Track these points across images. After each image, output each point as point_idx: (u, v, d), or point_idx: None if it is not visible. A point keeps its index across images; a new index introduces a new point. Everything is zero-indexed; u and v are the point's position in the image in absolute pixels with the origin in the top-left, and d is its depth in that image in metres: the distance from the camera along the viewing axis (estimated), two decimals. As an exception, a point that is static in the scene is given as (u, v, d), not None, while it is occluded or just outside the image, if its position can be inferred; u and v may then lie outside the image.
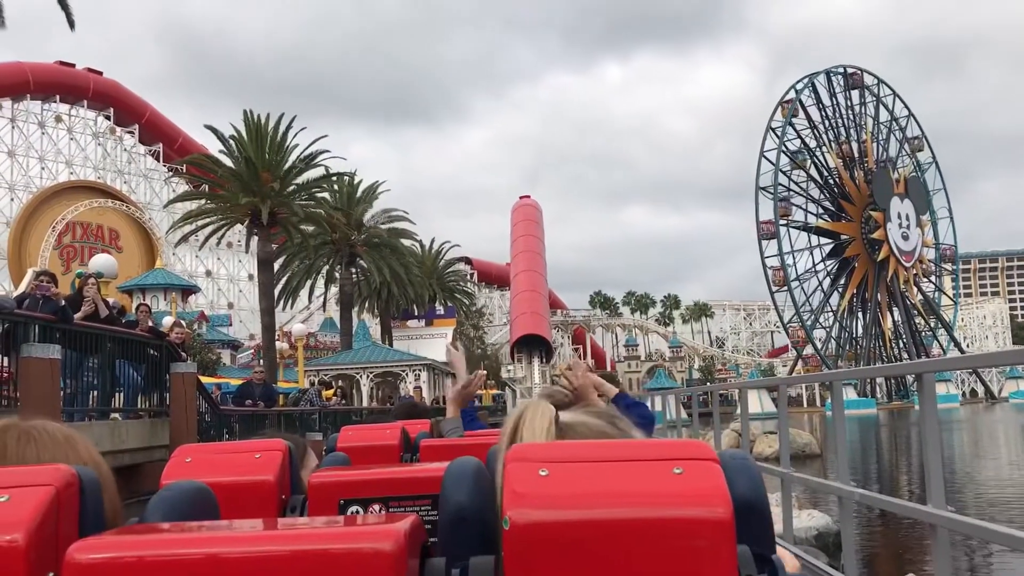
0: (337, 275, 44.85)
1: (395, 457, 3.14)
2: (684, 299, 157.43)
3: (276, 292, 39.30)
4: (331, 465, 2.28)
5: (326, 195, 40.15)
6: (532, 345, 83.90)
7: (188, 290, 62.59)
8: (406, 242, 50.64)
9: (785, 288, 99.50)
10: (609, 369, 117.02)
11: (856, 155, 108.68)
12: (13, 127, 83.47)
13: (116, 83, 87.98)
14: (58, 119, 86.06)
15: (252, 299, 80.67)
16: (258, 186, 34.51)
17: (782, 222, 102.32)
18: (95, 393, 12.63)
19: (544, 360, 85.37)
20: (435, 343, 55.27)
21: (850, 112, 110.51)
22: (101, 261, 27.56)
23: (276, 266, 39.40)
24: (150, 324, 14.73)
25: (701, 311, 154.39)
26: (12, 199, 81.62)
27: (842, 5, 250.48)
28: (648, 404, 17.02)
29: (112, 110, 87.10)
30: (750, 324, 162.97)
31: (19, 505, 1.03)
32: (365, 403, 41.33)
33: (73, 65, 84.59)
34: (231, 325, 66.12)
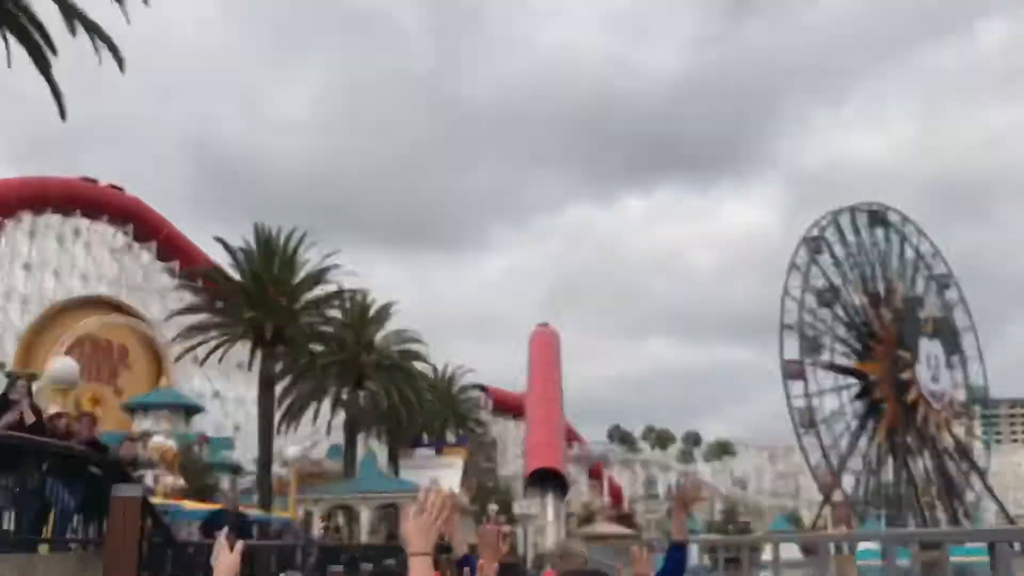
0: (344, 397, 42.44)
1: None
2: (705, 435, 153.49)
3: (279, 415, 37.02)
4: None
5: (336, 313, 38.33)
6: (547, 479, 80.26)
7: (193, 410, 60.35)
8: (419, 365, 48.52)
9: (812, 430, 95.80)
10: (626, 508, 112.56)
11: (882, 293, 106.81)
12: (31, 240, 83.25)
13: (137, 200, 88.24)
14: (76, 233, 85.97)
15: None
16: (264, 301, 32.83)
17: (808, 361, 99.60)
18: (11, 517, 10.34)
19: (559, 496, 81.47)
20: (445, 473, 52.44)
21: (875, 249, 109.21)
22: (59, 364, 25.25)
23: (283, 387, 37.31)
24: (93, 436, 12.50)
25: (723, 450, 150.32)
26: (24, 312, 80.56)
27: (865, 144, 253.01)
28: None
29: (132, 226, 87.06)
30: (774, 464, 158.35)
31: None
32: (364, 537, 38.23)
33: (96, 181, 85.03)
34: (235, 448, 63.51)
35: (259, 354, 33.86)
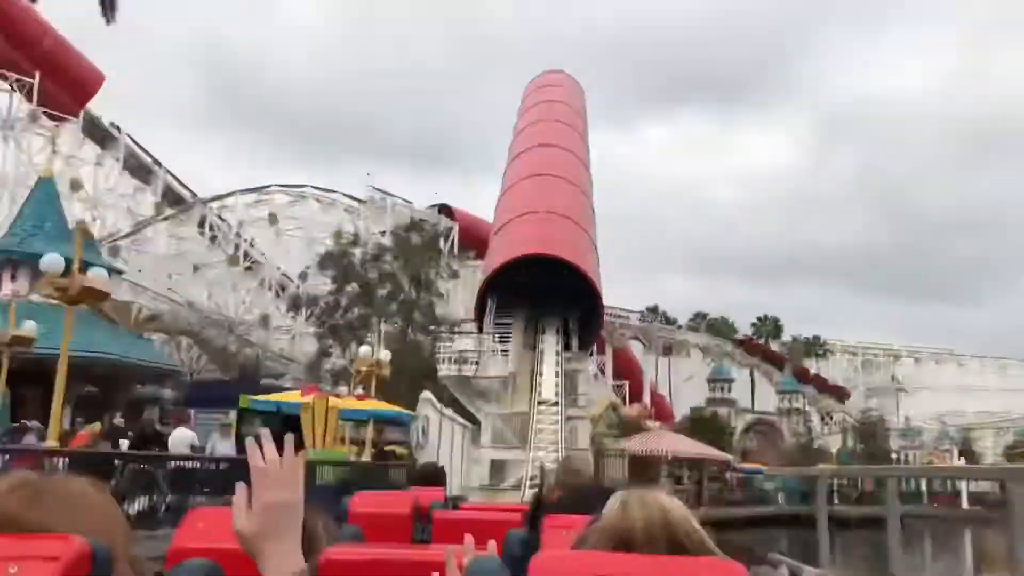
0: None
1: (407, 527, 3.12)
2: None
3: None
4: (345, 540, 2.24)
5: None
6: (540, 299, 29.84)
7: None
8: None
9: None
10: (660, 418, 64.18)
11: None
12: None
13: None
14: None
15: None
16: None
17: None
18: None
19: (564, 338, 29.44)
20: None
21: None
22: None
23: None
24: None
25: (810, 349, 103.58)
26: None
27: (900, 80, 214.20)
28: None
29: None
30: (867, 374, 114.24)
31: None
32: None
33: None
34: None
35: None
